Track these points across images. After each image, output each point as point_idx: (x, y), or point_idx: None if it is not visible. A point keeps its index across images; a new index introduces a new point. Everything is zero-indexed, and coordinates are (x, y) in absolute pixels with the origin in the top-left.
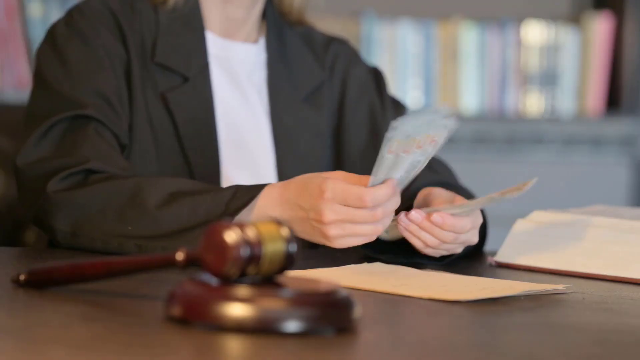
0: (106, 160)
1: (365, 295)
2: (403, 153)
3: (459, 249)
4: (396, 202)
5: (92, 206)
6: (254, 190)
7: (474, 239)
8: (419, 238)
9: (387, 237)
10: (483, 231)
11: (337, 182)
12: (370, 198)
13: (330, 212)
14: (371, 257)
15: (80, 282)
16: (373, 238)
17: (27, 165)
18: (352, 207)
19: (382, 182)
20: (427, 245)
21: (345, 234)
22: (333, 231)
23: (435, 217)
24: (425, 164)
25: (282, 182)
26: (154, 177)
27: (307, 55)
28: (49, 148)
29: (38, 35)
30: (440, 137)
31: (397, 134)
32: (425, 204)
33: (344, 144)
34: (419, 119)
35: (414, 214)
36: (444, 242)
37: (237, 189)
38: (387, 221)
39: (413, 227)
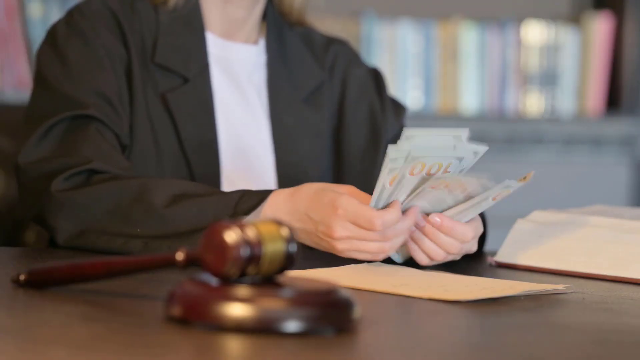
0: (108, 160)
1: (365, 295)
2: (408, 175)
3: (457, 257)
4: (408, 224)
5: (97, 206)
6: (261, 195)
7: (473, 247)
8: (423, 251)
9: (399, 259)
10: (483, 233)
11: (350, 200)
12: (380, 222)
13: (340, 229)
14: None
15: (80, 282)
16: (379, 258)
17: (29, 165)
18: (361, 228)
19: (389, 205)
20: (432, 259)
21: (353, 249)
22: (341, 246)
23: (434, 218)
24: (458, 206)
25: (289, 191)
26: (158, 178)
27: (307, 55)
28: (51, 148)
29: (38, 35)
30: (470, 184)
31: (397, 152)
32: None
33: (343, 144)
34: (422, 140)
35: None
36: (449, 252)
37: (244, 193)
38: (398, 242)
39: (417, 235)
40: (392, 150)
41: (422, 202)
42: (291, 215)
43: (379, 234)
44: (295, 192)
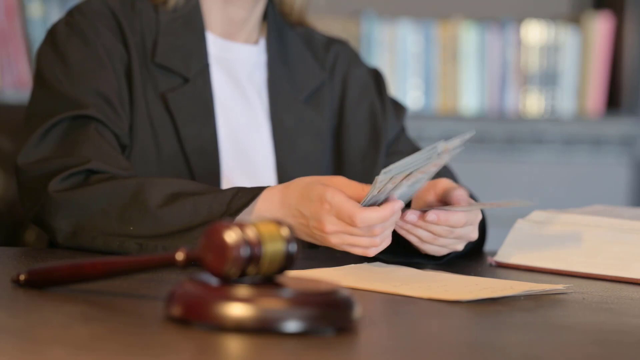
0: (107, 160)
1: (365, 295)
2: (403, 180)
3: (459, 246)
4: (393, 219)
5: (94, 206)
6: (254, 191)
7: (473, 234)
8: (414, 235)
9: None
10: (483, 230)
11: (335, 194)
12: (359, 219)
13: (329, 224)
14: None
15: (80, 282)
16: (371, 253)
17: (28, 165)
18: (344, 223)
19: (382, 203)
20: (423, 241)
21: (345, 243)
22: (334, 240)
23: (430, 215)
24: (428, 180)
25: (281, 186)
26: (155, 177)
27: (307, 56)
28: (50, 148)
29: (38, 35)
30: (444, 160)
31: (389, 174)
32: (444, 201)
33: (344, 144)
34: (414, 159)
35: (409, 215)
36: (440, 236)
37: (238, 190)
38: (387, 236)
39: (408, 226)
40: (377, 181)
41: (402, 190)
42: (284, 211)
43: (363, 230)
44: (286, 187)
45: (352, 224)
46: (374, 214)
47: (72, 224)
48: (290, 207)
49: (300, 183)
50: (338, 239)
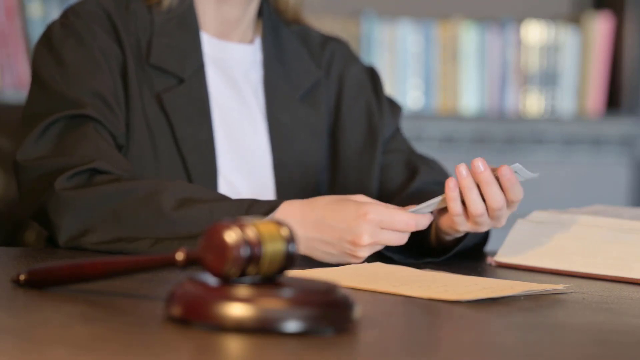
0: (109, 160)
1: (365, 295)
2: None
3: (485, 227)
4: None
5: (103, 207)
6: (272, 203)
7: (502, 220)
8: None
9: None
10: (485, 232)
11: (378, 207)
12: (414, 223)
13: (367, 236)
14: (372, 257)
15: (80, 282)
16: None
17: (28, 162)
18: (397, 230)
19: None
20: (492, 207)
21: (370, 253)
22: (363, 253)
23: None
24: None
25: (301, 201)
26: (165, 180)
27: (303, 54)
28: (49, 146)
29: (38, 35)
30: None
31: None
32: None
33: (340, 142)
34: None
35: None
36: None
37: (254, 200)
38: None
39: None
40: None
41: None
42: (304, 224)
43: (400, 239)
44: (308, 202)
45: (408, 229)
46: (425, 220)
47: (79, 223)
48: (314, 221)
49: (327, 198)
50: (367, 251)
